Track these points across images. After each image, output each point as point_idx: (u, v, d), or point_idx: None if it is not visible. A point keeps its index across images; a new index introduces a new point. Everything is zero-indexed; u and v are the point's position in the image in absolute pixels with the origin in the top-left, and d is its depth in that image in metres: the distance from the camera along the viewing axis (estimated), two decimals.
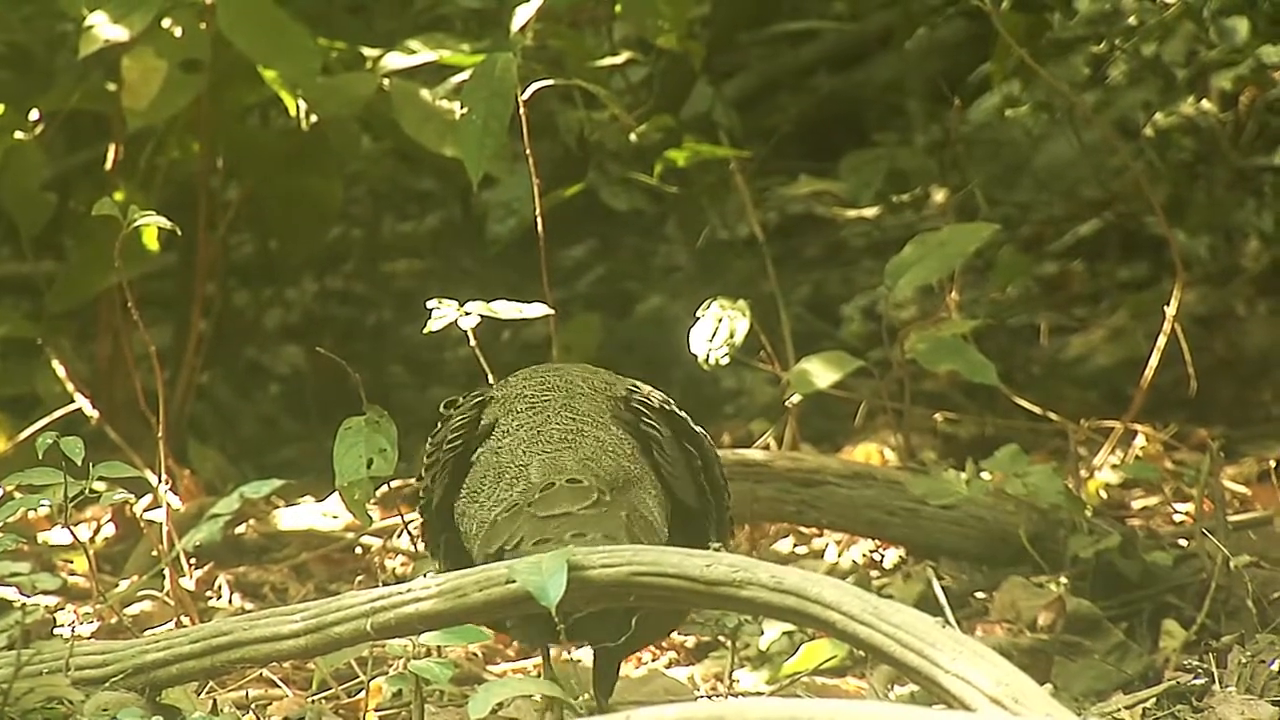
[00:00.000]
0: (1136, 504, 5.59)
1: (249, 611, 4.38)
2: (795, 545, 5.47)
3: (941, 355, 5.20)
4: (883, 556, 5.26)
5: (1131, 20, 6.65)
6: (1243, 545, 4.82)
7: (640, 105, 6.39)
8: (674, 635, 4.77)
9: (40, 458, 3.97)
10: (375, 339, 7.65)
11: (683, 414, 3.90)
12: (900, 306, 7.01)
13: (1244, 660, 4.16)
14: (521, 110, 4.98)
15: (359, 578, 4.72)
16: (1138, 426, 5.75)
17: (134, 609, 4.95)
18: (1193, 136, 7.10)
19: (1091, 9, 6.67)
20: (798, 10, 8.12)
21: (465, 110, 5.00)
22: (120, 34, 5.49)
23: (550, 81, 5.20)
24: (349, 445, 4.19)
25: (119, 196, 5.78)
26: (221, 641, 3.67)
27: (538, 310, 4.42)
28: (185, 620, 4.65)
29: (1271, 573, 4.72)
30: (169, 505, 4.76)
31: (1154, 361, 5.57)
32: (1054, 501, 4.84)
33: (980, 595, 4.94)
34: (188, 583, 5.01)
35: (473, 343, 4.48)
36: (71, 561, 5.44)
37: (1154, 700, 4.19)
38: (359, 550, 5.59)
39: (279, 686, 4.43)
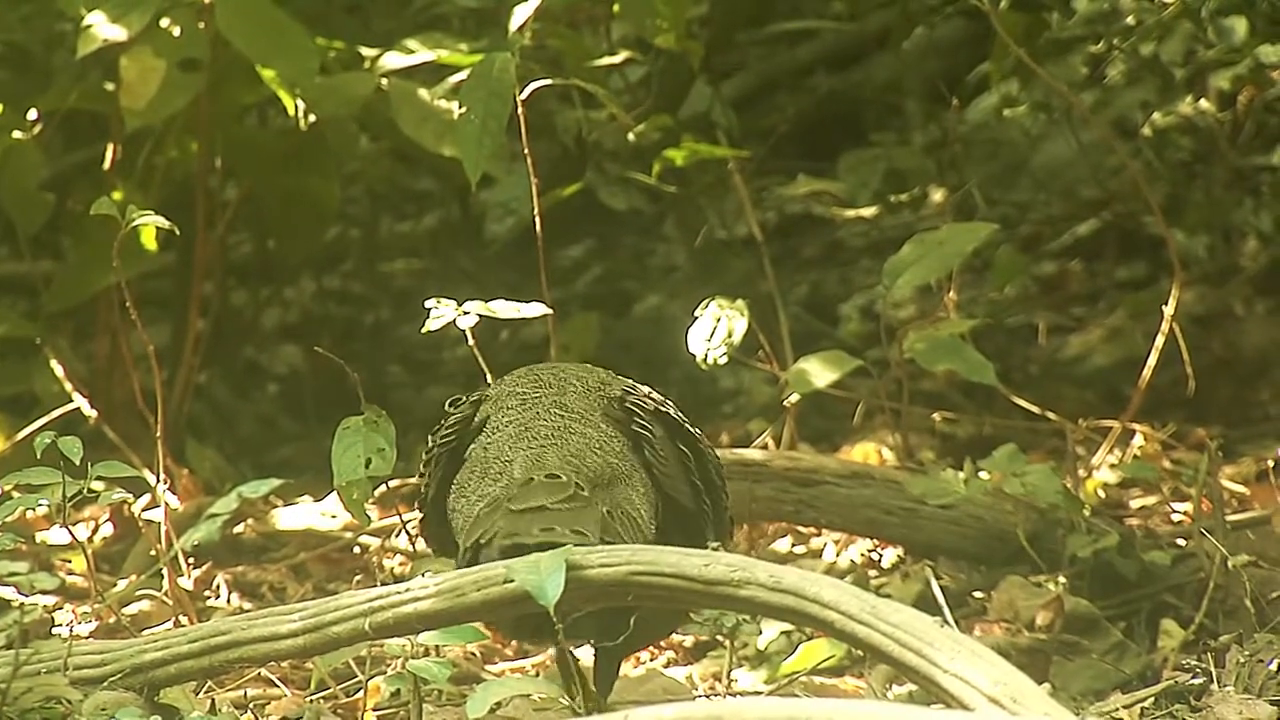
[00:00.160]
0: (1135, 503, 5.59)
1: (247, 611, 4.38)
2: (793, 545, 5.47)
3: (939, 355, 5.20)
4: (881, 556, 5.26)
5: (1130, 20, 6.65)
6: (1241, 545, 4.81)
7: (638, 105, 6.39)
8: (672, 634, 4.77)
9: (38, 457, 3.98)
10: (373, 338, 7.65)
11: (677, 415, 3.90)
12: (898, 306, 7.01)
13: (1242, 660, 4.16)
14: (520, 110, 4.98)
15: (357, 577, 4.72)
16: (1136, 426, 5.75)
17: (132, 608, 4.95)
18: (1191, 136, 7.10)
19: (1090, 9, 6.67)
20: (796, 10, 8.12)
21: (463, 110, 5.00)
22: (118, 33, 5.49)
23: (548, 81, 5.20)
24: (347, 445, 4.20)
25: (117, 196, 5.78)
26: (220, 641, 3.67)
27: (536, 310, 4.42)
28: (183, 620, 4.65)
29: (1270, 572, 4.72)
30: (167, 505, 4.76)
31: (1152, 361, 5.57)
32: (1052, 501, 4.84)
33: (978, 595, 4.94)
34: (186, 582, 5.01)
35: (471, 342, 4.48)
36: (70, 561, 5.44)
37: (1152, 700, 4.19)
38: (357, 550, 5.59)
39: (277, 686, 4.43)
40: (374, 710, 4.22)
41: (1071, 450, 5.31)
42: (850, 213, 7.90)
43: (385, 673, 4.11)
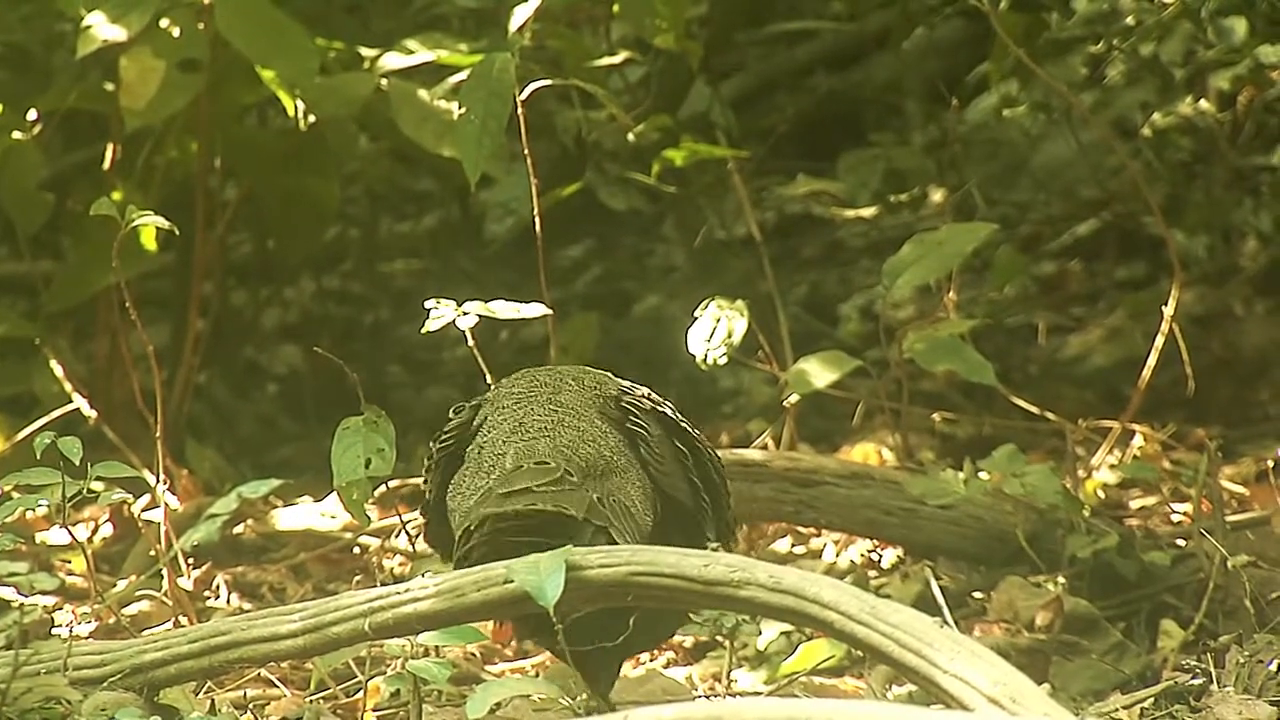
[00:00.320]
0: (1134, 504, 5.59)
1: (247, 611, 4.38)
2: (793, 545, 5.47)
3: (939, 355, 5.20)
4: (880, 556, 5.26)
5: (1129, 20, 6.65)
6: (1240, 545, 4.81)
7: (638, 105, 6.39)
8: (672, 635, 4.76)
9: (38, 457, 3.97)
10: (373, 339, 7.65)
11: (674, 415, 3.90)
12: (898, 306, 7.01)
13: (1242, 660, 4.16)
14: (519, 110, 4.98)
15: (357, 578, 4.72)
16: (1135, 426, 5.75)
17: (132, 609, 4.95)
18: (1190, 136, 7.10)
19: (1089, 9, 6.66)
20: (795, 10, 8.12)
21: (463, 110, 5.00)
22: (118, 34, 5.49)
23: (548, 81, 5.20)
24: (347, 445, 4.20)
25: (117, 196, 5.78)
26: (219, 641, 3.67)
27: (535, 310, 4.42)
28: (183, 620, 4.65)
29: (1269, 572, 4.72)
30: (167, 505, 4.76)
31: (1152, 361, 5.57)
32: (1052, 501, 4.84)
33: (978, 595, 4.94)
34: (186, 583, 5.01)
35: (470, 342, 4.48)
36: (69, 561, 5.44)
37: (1152, 700, 4.19)
38: (357, 550, 5.59)
39: (277, 686, 4.43)
40: (374, 710, 4.22)
41: (1071, 450, 5.31)
42: (850, 213, 7.90)
43: (385, 673, 4.11)
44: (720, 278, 6.87)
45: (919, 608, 3.41)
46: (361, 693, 4.22)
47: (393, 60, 5.89)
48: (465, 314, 4.37)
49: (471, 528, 3.66)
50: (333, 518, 5.72)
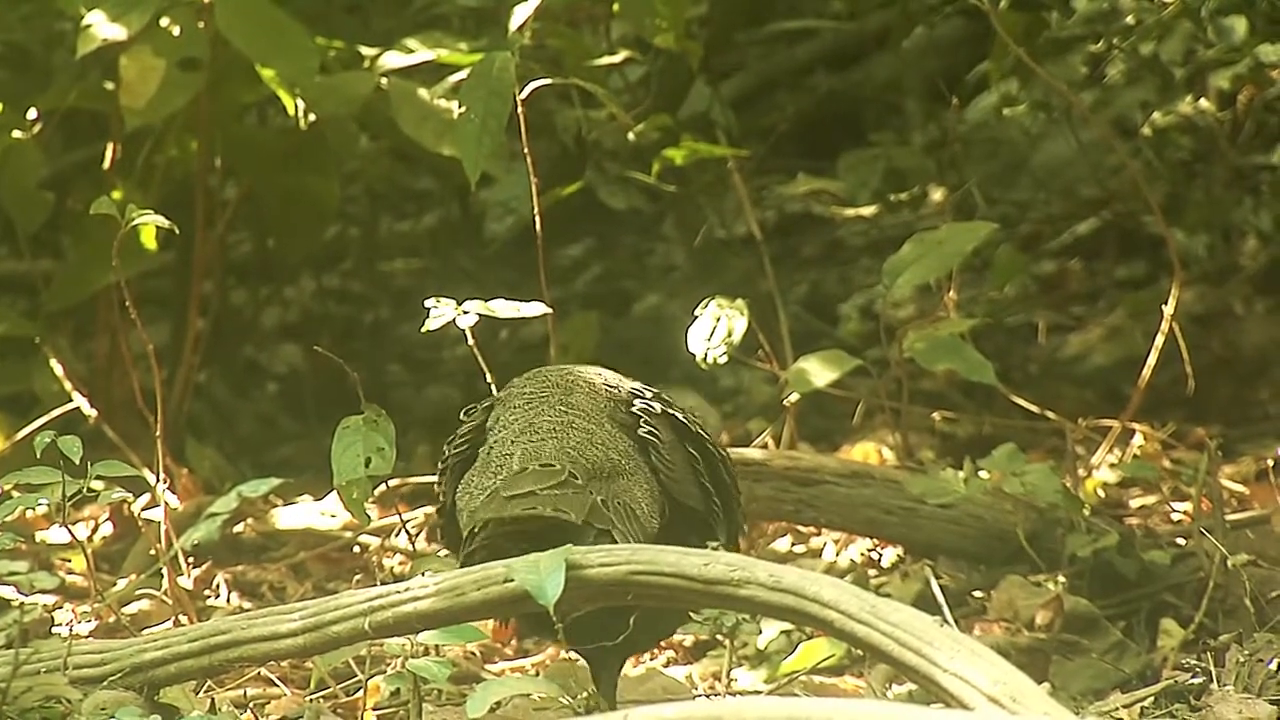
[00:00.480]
0: (1134, 503, 5.59)
1: (247, 610, 4.38)
2: (793, 544, 5.47)
3: (939, 354, 5.20)
4: (880, 555, 5.26)
5: (1129, 19, 6.65)
6: (1240, 544, 4.81)
7: (638, 104, 6.39)
8: (672, 634, 4.76)
9: (38, 456, 3.97)
10: (373, 338, 7.65)
11: (685, 419, 3.91)
12: (898, 305, 7.01)
13: (1242, 659, 4.16)
14: (519, 109, 4.98)
15: (357, 577, 4.72)
16: (1135, 425, 5.75)
17: (132, 608, 4.95)
18: (1191, 135, 7.10)
19: (1089, 8, 6.66)
20: (795, 9, 8.12)
21: (463, 109, 4.99)
22: (118, 33, 5.49)
23: (548, 80, 5.20)
24: (347, 444, 4.20)
25: (117, 195, 5.78)
26: (219, 640, 3.67)
27: (535, 309, 4.42)
28: (183, 619, 4.65)
29: (1269, 571, 4.72)
30: (167, 504, 4.76)
31: (1152, 360, 5.57)
32: (1052, 500, 4.84)
33: (978, 594, 4.94)
34: (186, 581, 5.01)
35: (470, 342, 4.48)
36: (69, 560, 5.44)
37: (1152, 699, 4.19)
38: (357, 549, 5.59)
39: (277, 685, 4.43)
40: (374, 710, 4.22)
41: (1071, 450, 5.31)
42: (850, 212, 7.90)
43: (385, 672, 4.11)
44: (720, 277, 6.87)
45: (919, 607, 3.41)
46: (361, 692, 4.22)
47: (393, 59, 5.89)
48: (465, 313, 4.37)
49: (475, 530, 3.66)
50: (333, 517, 5.72)
